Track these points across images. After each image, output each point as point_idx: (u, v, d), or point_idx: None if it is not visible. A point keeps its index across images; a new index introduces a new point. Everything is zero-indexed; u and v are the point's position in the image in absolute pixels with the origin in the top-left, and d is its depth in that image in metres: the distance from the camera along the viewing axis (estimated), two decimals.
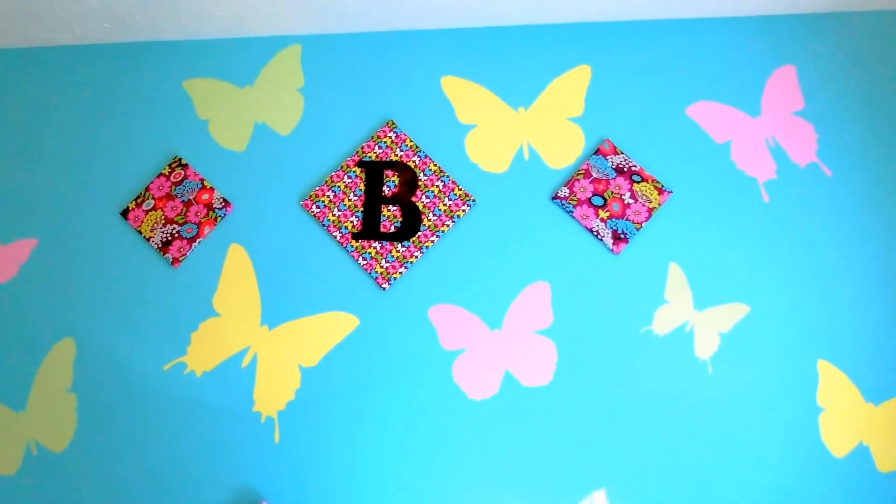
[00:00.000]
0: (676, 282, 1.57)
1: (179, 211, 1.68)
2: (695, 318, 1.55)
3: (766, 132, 1.65)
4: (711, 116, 1.67)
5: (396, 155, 1.68)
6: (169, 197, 1.69)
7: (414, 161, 1.67)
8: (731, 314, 1.55)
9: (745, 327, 1.54)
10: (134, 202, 1.70)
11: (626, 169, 1.63)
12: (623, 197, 1.61)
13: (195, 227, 1.67)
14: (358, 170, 1.67)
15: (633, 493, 1.47)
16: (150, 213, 1.68)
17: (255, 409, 1.58)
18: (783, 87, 1.68)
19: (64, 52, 1.86)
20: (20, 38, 1.79)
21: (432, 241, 1.61)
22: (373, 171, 1.67)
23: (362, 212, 1.64)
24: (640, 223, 1.59)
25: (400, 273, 1.60)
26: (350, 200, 1.65)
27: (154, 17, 1.69)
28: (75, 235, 1.72)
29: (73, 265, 1.70)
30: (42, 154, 1.79)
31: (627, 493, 1.47)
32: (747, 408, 1.49)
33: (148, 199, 1.70)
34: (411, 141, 1.68)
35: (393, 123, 1.70)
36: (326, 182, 1.67)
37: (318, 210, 1.65)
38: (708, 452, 1.48)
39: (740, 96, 1.68)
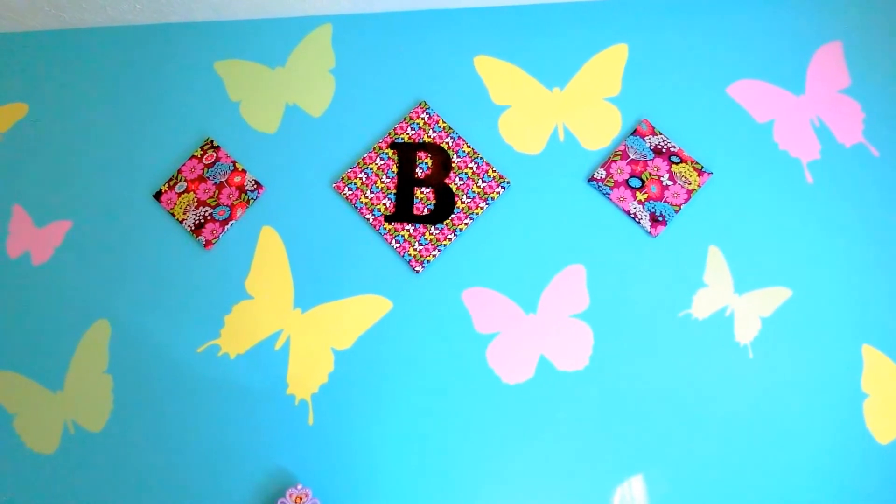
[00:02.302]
0: (716, 265, 1.54)
1: (212, 193, 1.68)
2: (735, 302, 1.52)
3: (811, 111, 1.60)
4: (753, 95, 1.62)
5: (429, 136, 1.65)
6: (201, 179, 1.69)
7: (447, 142, 1.64)
8: (772, 298, 1.51)
9: (787, 311, 1.50)
10: (167, 185, 1.70)
11: (664, 150, 1.59)
12: (661, 178, 1.57)
13: (228, 209, 1.66)
14: (390, 151, 1.66)
15: (671, 479, 1.45)
16: (182, 196, 1.68)
17: (289, 391, 1.58)
18: (829, 65, 1.63)
19: (97, 33, 1.85)
20: (54, 20, 1.79)
21: (466, 224, 1.59)
22: (405, 152, 1.65)
23: (395, 194, 1.63)
24: (679, 205, 1.56)
25: (433, 256, 1.58)
26: (382, 182, 1.64)
27: None
28: (109, 218, 1.73)
29: (107, 247, 1.71)
30: (75, 137, 1.80)
31: (666, 479, 1.45)
32: (789, 394, 1.46)
33: (180, 181, 1.70)
34: (444, 122, 1.66)
35: (425, 104, 1.67)
36: (358, 164, 1.65)
37: (351, 192, 1.64)
38: (748, 439, 1.45)
39: (784, 74, 1.63)
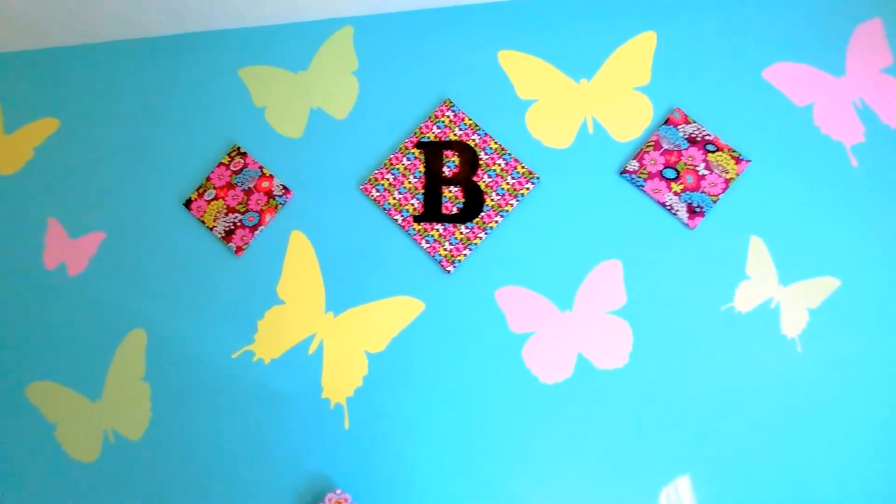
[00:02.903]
0: (758, 256, 1.48)
1: (241, 199, 1.68)
2: (780, 294, 1.46)
3: (852, 92, 1.54)
4: (790, 78, 1.56)
5: (455, 134, 1.63)
6: (230, 186, 1.69)
7: (474, 140, 1.62)
8: (820, 288, 1.45)
9: (835, 302, 1.44)
10: (196, 192, 1.71)
11: (699, 138, 1.54)
12: (697, 168, 1.52)
13: (257, 215, 1.66)
14: (417, 151, 1.64)
15: (719, 479, 1.40)
16: (212, 203, 1.69)
17: (324, 395, 1.57)
18: (869, 43, 1.56)
19: (123, 46, 1.88)
20: (81, 35, 1.82)
21: (496, 222, 1.56)
22: (432, 151, 1.63)
23: (423, 194, 1.61)
24: (717, 195, 1.50)
25: (464, 255, 1.56)
26: (410, 183, 1.62)
27: (208, 5, 1.68)
28: (141, 228, 1.74)
29: (141, 257, 1.73)
30: (105, 149, 1.82)
31: (713, 479, 1.40)
32: (840, 387, 1.40)
33: (209, 188, 1.70)
34: (470, 119, 1.63)
35: (450, 102, 1.65)
36: (385, 165, 1.64)
37: (378, 193, 1.62)
38: (798, 435, 1.39)
39: (822, 55, 1.56)
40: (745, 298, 1.47)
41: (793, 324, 1.44)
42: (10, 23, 1.76)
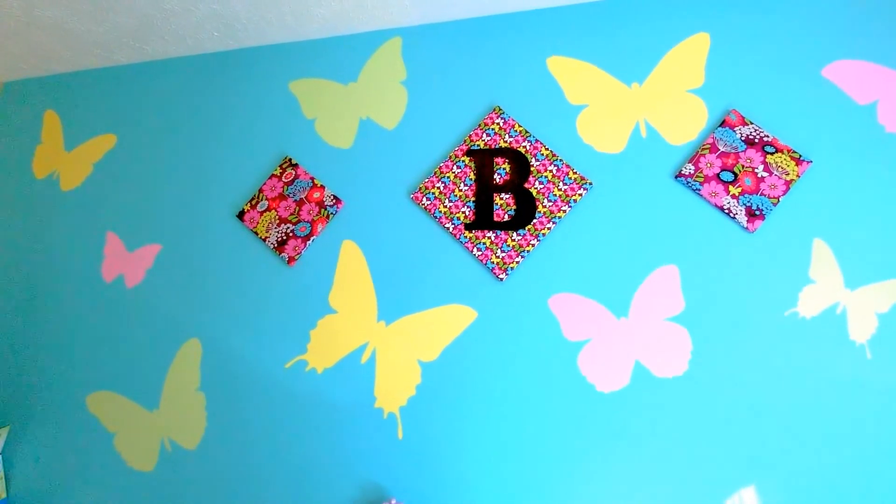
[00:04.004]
0: (823, 259, 1.44)
1: (292, 210, 1.70)
2: (847, 299, 1.41)
3: None
4: (852, 76, 1.51)
5: (506, 141, 1.63)
6: (282, 197, 1.72)
7: (524, 146, 1.61)
8: (889, 292, 1.40)
9: None
10: (249, 204, 1.74)
11: (757, 140, 1.51)
12: (756, 170, 1.49)
13: (308, 225, 1.68)
14: (467, 159, 1.64)
15: (785, 490, 1.35)
16: (264, 214, 1.71)
17: (377, 405, 1.57)
18: None
19: (178, 63, 1.93)
20: (138, 53, 1.88)
21: (549, 228, 1.55)
22: (482, 159, 1.62)
23: (474, 201, 1.60)
24: (778, 197, 1.46)
25: (517, 262, 1.55)
26: (461, 190, 1.62)
27: (260, 20, 1.72)
28: (196, 239, 1.78)
29: (195, 268, 1.76)
30: (161, 163, 1.87)
31: (779, 490, 1.35)
32: None
33: (262, 200, 1.73)
34: (520, 126, 1.63)
35: (500, 109, 1.65)
36: (435, 173, 1.64)
37: (429, 202, 1.63)
38: (868, 445, 1.33)
39: (884, 50, 1.51)
40: (810, 303, 1.42)
41: (861, 329, 1.39)
42: (69, 43, 1.83)
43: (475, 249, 1.57)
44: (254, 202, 1.73)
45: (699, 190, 1.50)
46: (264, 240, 1.70)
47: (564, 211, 1.55)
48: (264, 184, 1.74)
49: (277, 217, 1.70)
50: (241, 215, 1.73)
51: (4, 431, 1.77)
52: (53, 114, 2.01)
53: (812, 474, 1.35)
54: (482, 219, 1.58)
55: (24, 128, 2.03)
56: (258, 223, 1.71)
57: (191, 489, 1.64)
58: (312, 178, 1.72)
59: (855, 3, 1.54)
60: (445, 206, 1.61)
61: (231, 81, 1.87)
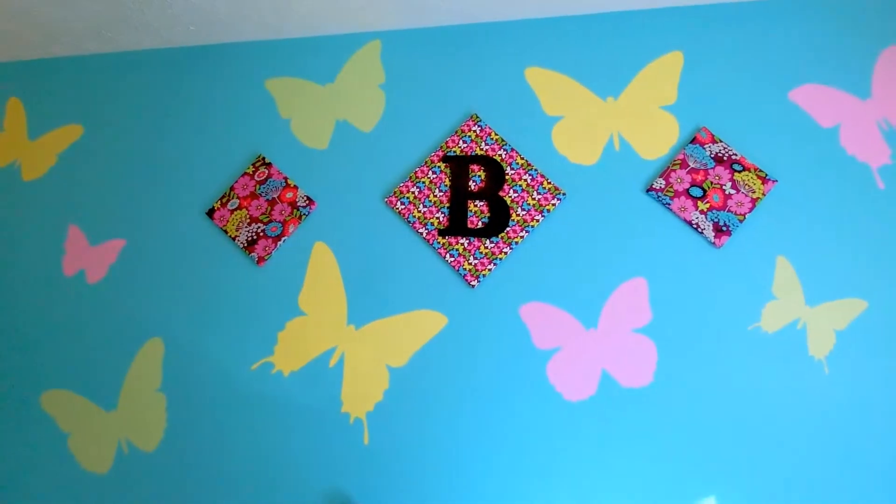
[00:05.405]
0: (785, 276, 1.48)
1: (264, 210, 1.67)
2: (807, 315, 1.45)
3: (878, 114, 1.54)
4: (817, 100, 1.57)
5: (482, 149, 1.63)
6: (253, 196, 1.69)
7: (500, 155, 1.62)
8: (847, 310, 1.44)
9: (863, 324, 1.43)
10: (219, 202, 1.71)
11: (725, 158, 1.54)
12: (724, 187, 1.52)
13: (280, 225, 1.66)
14: (442, 165, 1.64)
15: (745, 500, 1.38)
16: (235, 213, 1.69)
17: (344, 410, 1.55)
18: (895, 67, 1.57)
19: (151, 55, 1.89)
20: (109, 43, 1.83)
21: (522, 237, 1.56)
22: (458, 165, 1.63)
23: (448, 207, 1.60)
24: (744, 214, 1.50)
25: (489, 270, 1.55)
26: (435, 196, 1.62)
27: (239, 16, 1.70)
28: (162, 236, 1.74)
29: (161, 265, 1.72)
30: (129, 157, 1.82)
31: (739, 500, 1.38)
32: (868, 410, 1.38)
33: (233, 198, 1.70)
34: (496, 134, 1.64)
35: (477, 117, 1.66)
36: (411, 178, 1.64)
37: (403, 207, 1.62)
38: (826, 458, 1.37)
39: (848, 78, 1.57)
40: (772, 319, 1.46)
41: (820, 345, 1.43)
42: (37, 29, 1.78)
43: (448, 255, 1.57)
44: (224, 200, 1.70)
45: (669, 204, 1.53)
46: (234, 239, 1.67)
47: (538, 220, 1.56)
48: (236, 182, 1.71)
49: (248, 216, 1.68)
50: (210, 213, 1.70)
51: None
52: (17, 101, 1.95)
53: (771, 485, 1.38)
54: (456, 225, 1.59)
55: None
56: (228, 222, 1.68)
57: (147, 493, 1.59)
58: (286, 178, 1.69)
59: (823, 32, 1.60)
60: (419, 212, 1.61)
61: (206, 77, 1.84)
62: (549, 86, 1.67)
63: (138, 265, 1.73)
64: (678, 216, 1.53)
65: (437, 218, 1.60)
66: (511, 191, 1.59)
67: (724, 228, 1.50)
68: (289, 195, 1.68)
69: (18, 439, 1.67)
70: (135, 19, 1.72)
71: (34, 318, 1.75)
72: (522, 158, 1.61)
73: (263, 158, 1.72)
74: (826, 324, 1.44)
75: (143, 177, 1.80)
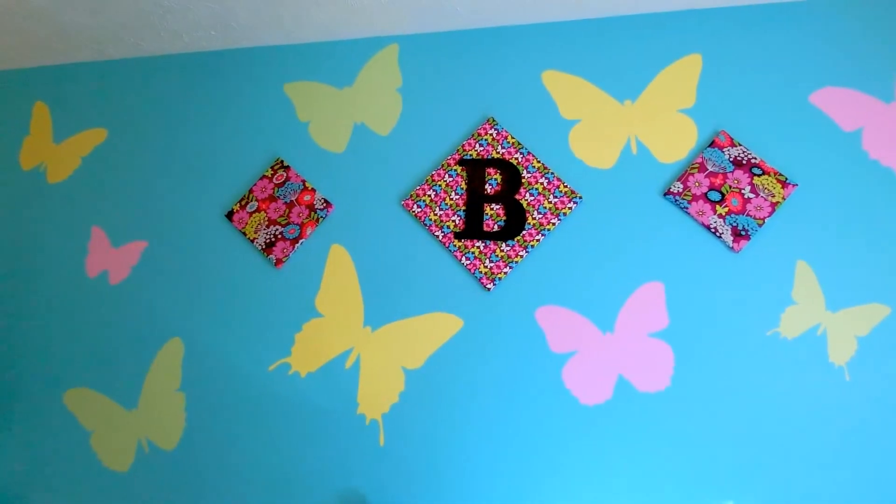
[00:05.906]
0: (805, 281, 1.46)
1: (282, 212, 1.69)
2: (828, 321, 1.43)
3: None
4: (838, 103, 1.55)
5: (498, 152, 1.64)
6: (272, 199, 1.71)
7: (516, 158, 1.62)
8: (869, 316, 1.42)
9: (885, 330, 1.41)
10: (238, 204, 1.73)
11: (745, 161, 1.53)
12: (743, 191, 1.51)
13: (298, 227, 1.67)
14: (459, 168, 1.64)
15: None
16: (253, 215, 1.71)
17: (360, 411, 1.56)
18: None
19: (173, 60, 1.92)
20: (133, 48, 1.87)
21: (538, 240, 1.56)
22: (474, 168, 1.63)
23: (464, 210, 1.61)
24: (763, 219, 1.49)
25: (505, 273, 1.55)
26: (452, 199, 1.62)
27: (258, 22, 1.72)
28: (183, 237, 1.76)
29: (181, 267, 1.74)
30: (151, 160, 1.86)
31: None
32: (891, 418, 1.36)
33: (252, 201, 1.72)
34: (513, 138, 1.64)
35: (493, 120, 1.66)
36: (427, 181, 1.65)
37: (420, 209, 1.63)
38: (846, 467, 1.35)
39: (871, 80, 1.55)
40: (792, 324, 1.44)
41: (841, 351, 1.41)
42: (62, 35, 1.82)
43: (464, 258, 1.58)
44: (243, 203, 1.73)
45: (687, 208, 1.52)
46: (252, 241, 1.69)
47: (554, 224, 1.56)
48: (255, 185, 1.74)
49: (267, 218, 1.70)
50: (229, 215, 1.72)
51: None
52: (43, 105, 1.99)
53: (790, 492, 1.36)
54: (472, 228, 1.59)
55: (12, 119, 2.00)
56: (247, 224, 1.70)
57: (166, 491, 1.62)
58: (304, 181, 1.71)
59: (844, 34, 1.57)
60: (436, 214, 1.62)
61: (226, 81, 1.87)
62: (565, 89, 1.67)
63: (159, 266, 1.76)
64: (696, 220, 1.52)
65: (454, 221, 1.61)
66: (527, 194, 1.59)
67: (743, 233, 1.48)
68: (306, 198, 1.70)
69: (42, 436, 1.71)
70: (157, 25, 1.75)
71: (58, 318, 1.78)
72: (539, 162, 1.61)
73: (282, 161, 1.74)
74: (847, 330, 1.42)
75: (165, 179, 1.83)
